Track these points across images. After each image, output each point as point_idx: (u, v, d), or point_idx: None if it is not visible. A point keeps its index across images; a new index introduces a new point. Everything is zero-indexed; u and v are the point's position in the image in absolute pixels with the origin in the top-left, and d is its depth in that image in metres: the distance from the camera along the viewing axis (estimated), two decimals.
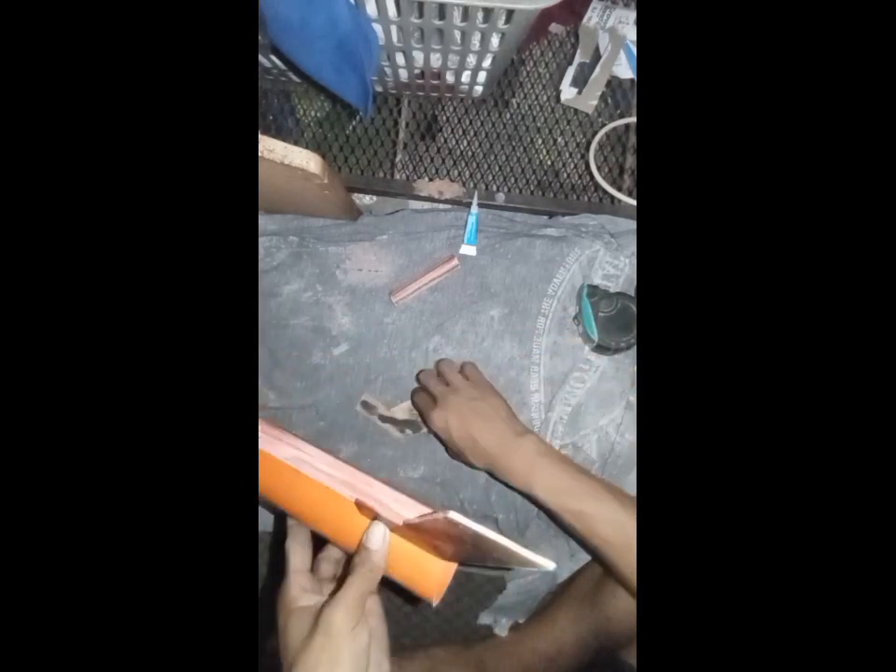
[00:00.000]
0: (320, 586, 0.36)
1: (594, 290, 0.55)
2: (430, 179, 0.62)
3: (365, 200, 0.68)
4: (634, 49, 0.62)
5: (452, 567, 0.36)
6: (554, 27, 0.65)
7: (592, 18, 0.63)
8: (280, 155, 0.41)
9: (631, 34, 0.62)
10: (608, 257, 0.59)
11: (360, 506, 0.35)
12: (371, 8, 0.42)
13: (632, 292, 0.57)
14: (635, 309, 0.55)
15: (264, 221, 0.62)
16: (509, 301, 0.59)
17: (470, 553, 0.33)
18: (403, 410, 0.58)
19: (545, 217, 0.64)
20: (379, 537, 0.34)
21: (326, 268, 0.60)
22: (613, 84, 0.64)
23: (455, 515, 0.28)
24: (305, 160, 0.42)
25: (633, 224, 0.59)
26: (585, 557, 0.58)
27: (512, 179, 0.63)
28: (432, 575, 0.36)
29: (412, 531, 0.33)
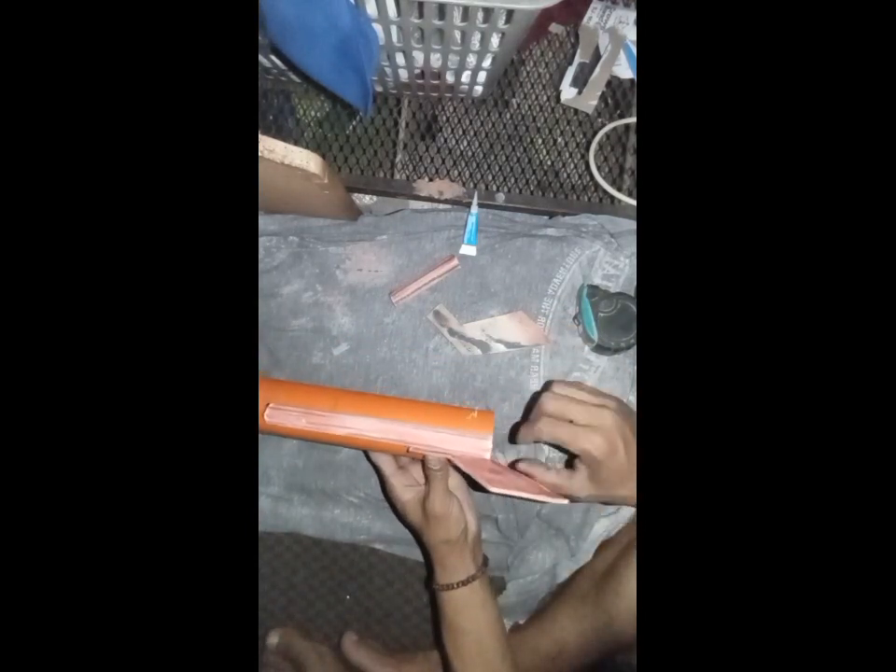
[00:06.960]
0: (413, 479, 0.50)
1: (594, 290, 0.55)
2: (430, 179, 0.62)
3: (365, 200, 0.68)
4: (634, 49, 0.62)
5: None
6: (554, 27, 0.65)
7: (592, 18, 0.63)
8: (280, 155, 0.41)
9: (631, 34, 0.62)
10: (608, 257, 0.59)
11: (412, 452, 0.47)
12: (371, 8, 0.42)
13: (632, 292, 0.57)
14: (635, 309, 0.54)
15: (264, 221, 0.62)
16: (509, 300, 0.59)
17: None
18: (475, 328, 0.58)
19: (545, 217, 0.64)
20: (435, 459, 0.46)
21: (326, 268, 0.60)
22: (613, 84, 0.64)
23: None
24: (305, 160, 0.42)
25: (633, 224, 0.59)
26: (585, 557, 0.58)
27: (512, 179, 0.63)
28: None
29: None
